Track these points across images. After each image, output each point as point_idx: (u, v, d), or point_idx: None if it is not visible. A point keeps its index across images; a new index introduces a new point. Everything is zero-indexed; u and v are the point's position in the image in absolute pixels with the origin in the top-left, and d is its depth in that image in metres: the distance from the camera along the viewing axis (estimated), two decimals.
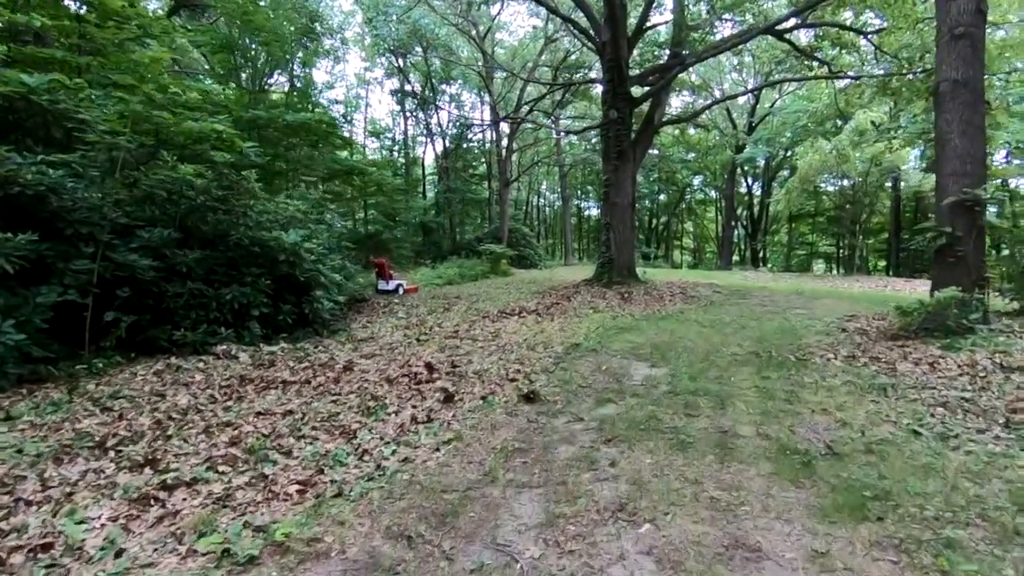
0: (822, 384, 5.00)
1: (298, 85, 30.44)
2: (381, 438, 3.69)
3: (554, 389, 5.05)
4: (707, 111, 23.41)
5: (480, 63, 29.40)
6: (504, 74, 30.57)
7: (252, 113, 9.45)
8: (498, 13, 29.14)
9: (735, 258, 41.30)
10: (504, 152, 30.97)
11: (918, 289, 16.78)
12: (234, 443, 3.44)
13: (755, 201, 40.19)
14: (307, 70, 36.08)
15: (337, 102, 33.10)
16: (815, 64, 16.44)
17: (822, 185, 31.49)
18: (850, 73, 14.85)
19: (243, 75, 30.16)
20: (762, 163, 37.94)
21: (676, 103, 28.65)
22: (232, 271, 6.37)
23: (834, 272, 33.51)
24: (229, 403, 4.31)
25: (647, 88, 14.42)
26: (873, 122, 20.49)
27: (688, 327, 8.58)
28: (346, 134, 31.60)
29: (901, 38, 14.54)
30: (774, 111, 34.32)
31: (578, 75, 25.14)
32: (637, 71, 15.42)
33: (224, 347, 5.78)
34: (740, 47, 15.12)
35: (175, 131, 6.78)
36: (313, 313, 6.82)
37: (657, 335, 7.86)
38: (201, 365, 5.31)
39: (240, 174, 6.72)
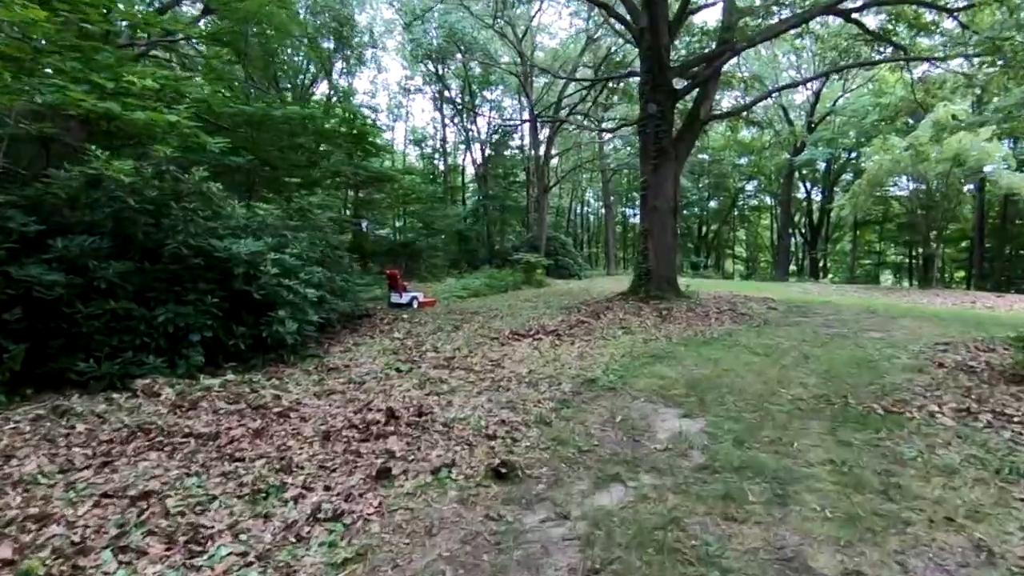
0: (932, 461, 3.43)
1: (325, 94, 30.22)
2: (244, 553, 2.43)
3: (542, 455, 3.68)
4: (762, 104, 21.42)
5: (519, 67, 28.32)
6: (544, 78, 29.44)
7: (237, 107, 8.55)
8: (536, 12, 28.06)
9: (792, 268, 38.48)
10: (543, 157, 29.69)
11: (1014, 307, 14.42)
12: (8, 564, 2.26)
13: (815, 207, 37.32)
14: (350, 78, 36.17)
15: (374, 109, 32.65)
16: (889, 50, 14.46)
17: (891, 189, 28.72)
18: (935, 55, 12.77)
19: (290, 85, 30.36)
20: (823, 166, 35.18)
21: (726, 104, 26.55)
22: (175, 287, 5.34)
23: (906, 284, 30.49)
24: (83, 473, 3.16)
25: (690, 80, 12.84)
26: (954, 116, 18.09)
27: (736, 356, 7.02)
28: (384, 141, 31.18)
29: (996, 14, 12.48)
30: (836, 110, 31.73)
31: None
32: (681, 62, 13.86)
33: (147, 381, 4.71)
34: (800, 29, 13.30)
35: (124, 122, 5.85)
36: (272, 336, 5.71)
37: (696, 367, 6.35)
38: (102, 408, 4.23)
39: (187, 171, 5.69)
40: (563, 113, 28.73)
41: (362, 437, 3.91)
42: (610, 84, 18.68)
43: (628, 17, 12.55)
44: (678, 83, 12.78)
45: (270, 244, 6.18)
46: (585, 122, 20.40)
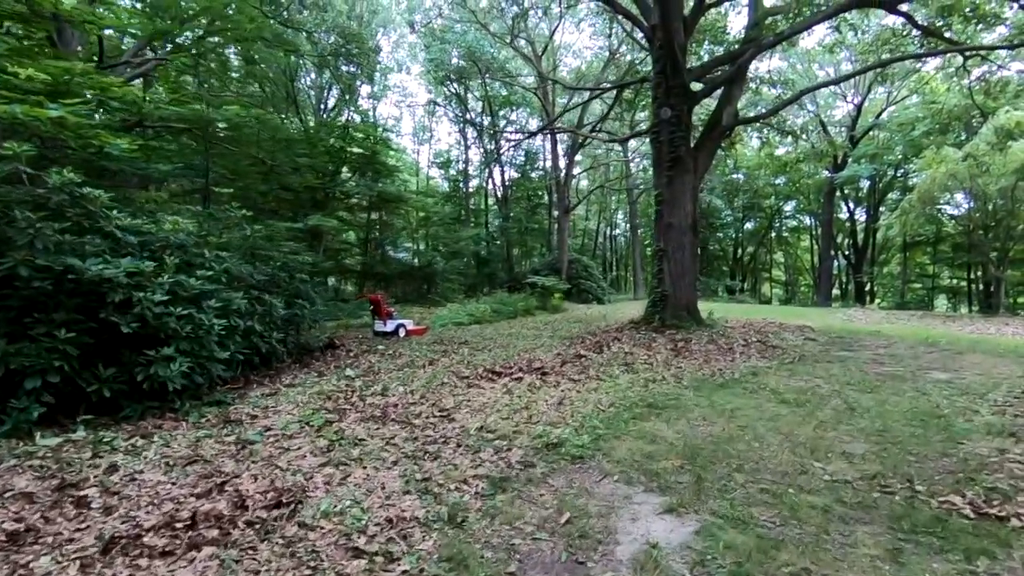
0: None
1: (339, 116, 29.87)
2: None
3: None
4: (798, 116, 19.68)
5: (540, 86, 27.44)
6: (565, 97, 28.46)
7: (170, 109, 7.54)
8: (556, 28, 27.20)
9: (835, 292, 35.90)
10: (563, 175, 28.48)
11: None
12: None
13: (859, 227, 34.84)
14: (375, 103, 36.07)
15: (388, 130, 32.19)
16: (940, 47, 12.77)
17: (945, 207, 26.32)
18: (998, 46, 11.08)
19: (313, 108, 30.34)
20: (866, 185, 32.85)
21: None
22: (26, 318, 4.24)
23: (964, 311, 27.76)
24: None
25: (711, 83, 11.45)
26: (1020, 122, 16.08)
27: (759, 405, 5.50)
28: (397, 159, 30.63)
29: None
30: (880, 123, 29.59)
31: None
32: (701, 64, 12.49)
33: None
34: (837, 21, 11.80)
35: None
36: (153, 380, 4.53)
37: (703, 422, 4.87)
38: None
39: (39, 173, 4.60)
40: (585, 131, 27.63)
41: (165, 548, 2.61)
42: (628, 95, 17.33)
43: (639, 14, 11.32)
44: (697, 86, 11.43)
45: (173, 263, 5.04)
46: (599, 134, 18.99)
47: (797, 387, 6.37)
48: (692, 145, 11.01)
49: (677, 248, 10.64)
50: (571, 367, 7.58)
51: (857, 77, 29.43)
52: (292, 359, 7.41)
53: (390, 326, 11.17)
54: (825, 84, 12.97)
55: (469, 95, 34.05)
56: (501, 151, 29.74)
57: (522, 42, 27.12)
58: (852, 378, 6.88)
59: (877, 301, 34.98)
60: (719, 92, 11.58)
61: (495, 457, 3.95)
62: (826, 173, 31.81)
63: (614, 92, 23.25)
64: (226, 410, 5.03)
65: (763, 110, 18.27)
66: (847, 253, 36.30)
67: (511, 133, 29.44)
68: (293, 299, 7.54)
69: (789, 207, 40.83)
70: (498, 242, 33.00)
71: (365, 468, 3.74)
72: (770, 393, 6.07)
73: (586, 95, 26.07)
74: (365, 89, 33.88)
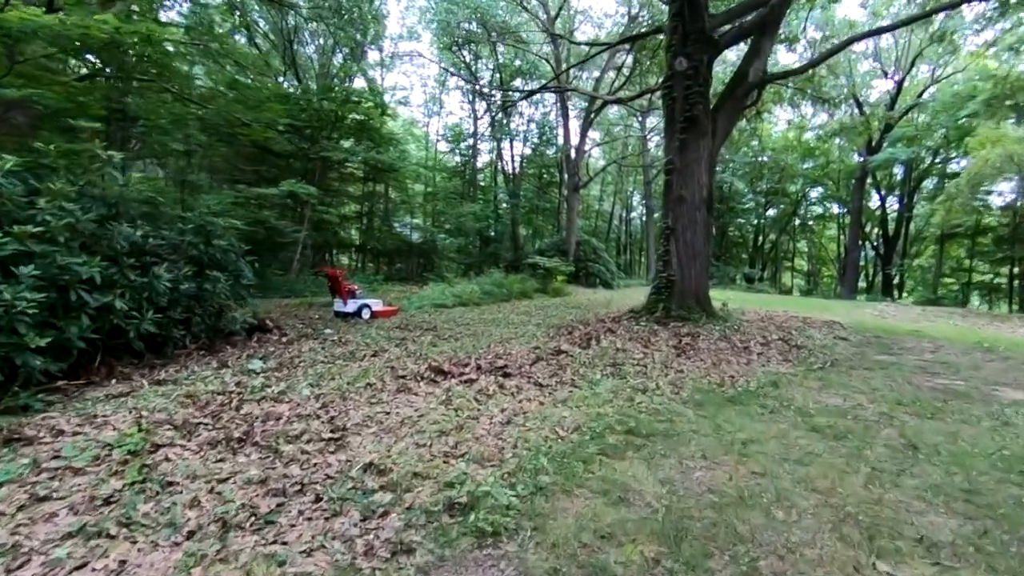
0: None
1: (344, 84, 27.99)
2: None
3: None
4: (832, 88, 17.52)
5: (552, 53, 25.48)
6: (579, 69, 26.49)
7: (39, 20, 5.85)
8: None
9: (860, 284, 33.71)
10: (574, 151, 26.62)
11: None
12: None
13: (889, 216, 32.47)
14: (384, 71, 34.29)
15: (400, 102, 30.41)
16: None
17: (987, 197, 24.02)
18: None
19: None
20: (900, 172, 30.43)
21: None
22: None
23: (1004, 310, 25.57)
24: None
25: (738, 30, 9.67)
26: None
27: (782, 434, 3.96)
28: (399, 128, 28.97)
29: None
30: (921, 103, 27.17)
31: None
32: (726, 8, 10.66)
33: None
34: None
35: None
36: None
37: (703, 465, 3.35)
38: None
39: None
40: (599, 104, 25.70)
41: None
42: (644, 60, 15.46)
43: None
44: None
45: None
46: (607, 96, 17.15)
47: (833, 407, 4.80)
48: (711, 106, 9.31)
49: (687, 226, 9.01)
50: (544, 367, 6.06)
51: (900, 53, 27.10)
52: (198, 345, 6.00)
53: (351, 306, 9.71)
54: (874, 32, 11.04)
55: (480, 63, 32.20)
56: (507, 106, 27.84)
57: (535, 2, 25.23)
58: (903, 395, 5.29)
59: (906, 295, 32.81)
60: (745, 46, 9.83)
61: (357, 528, 2.47)
62: (858, 157, 29.51)
63: (630, 63, 21.33)
64: (27, 420, 3.62)
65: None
66: (876, 244, 34.02)
67: (515, 93, 27.42)
68: (206, 271, 6.10)
69: (816, 193, 38.43)
70: (504, 220, 31.31)
71: (134, 543, 2.29)
72: (797, 414, 4.53)
73: (600, 61, 24.17)
74: (374, 56, 32.13)
